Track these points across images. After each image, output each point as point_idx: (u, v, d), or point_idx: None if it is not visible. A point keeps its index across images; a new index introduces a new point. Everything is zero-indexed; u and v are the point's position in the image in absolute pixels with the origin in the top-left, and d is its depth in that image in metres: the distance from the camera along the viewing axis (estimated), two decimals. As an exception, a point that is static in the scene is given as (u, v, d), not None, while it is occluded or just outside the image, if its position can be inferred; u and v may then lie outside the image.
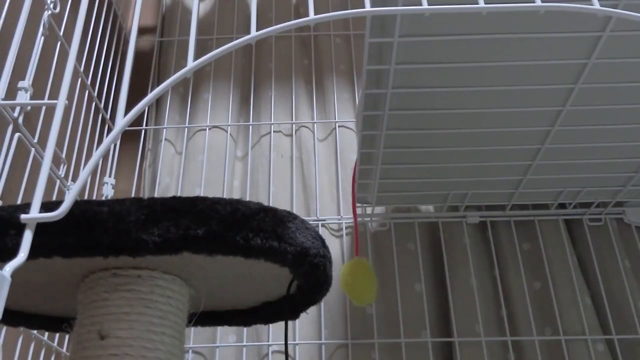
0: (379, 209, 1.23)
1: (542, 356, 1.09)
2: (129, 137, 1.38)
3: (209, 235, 0.57)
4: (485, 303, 1.16)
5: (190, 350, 1.12)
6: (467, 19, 0.75)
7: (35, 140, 0.95)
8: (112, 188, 1.31)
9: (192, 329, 1.13)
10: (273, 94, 1.40)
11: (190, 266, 0.64)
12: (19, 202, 0.91)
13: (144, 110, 1.32)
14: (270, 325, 1.13)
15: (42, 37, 0.97)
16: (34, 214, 0.52)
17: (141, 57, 1.50)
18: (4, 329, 0.88)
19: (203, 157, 1.31)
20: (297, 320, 1.12)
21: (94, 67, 1.26)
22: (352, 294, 1.04)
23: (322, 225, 1.23)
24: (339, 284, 1.05)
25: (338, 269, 1.08)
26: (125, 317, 0.61)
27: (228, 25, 1.51)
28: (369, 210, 1.21)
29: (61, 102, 0.57)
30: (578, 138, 0.96)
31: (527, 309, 1.14)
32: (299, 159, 1.32)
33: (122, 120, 0.54)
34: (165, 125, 1.37)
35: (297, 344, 1.11)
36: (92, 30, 1.26)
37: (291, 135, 1.36)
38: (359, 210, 1.19)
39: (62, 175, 1.08)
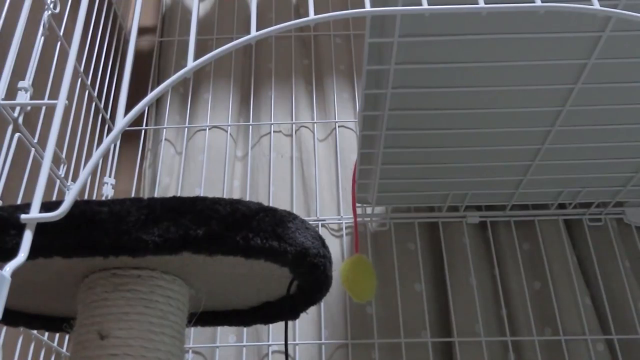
0: (379, 209, 1.23)
1: (542, 356, 1.09)
2: (129, 137, 1.38)
3: (209, 235, 0.57)
4: (485, 303, 1.16)
5: (190, 350, 1.12)
6: (467, 19, 0.75)
7: (35, 140, 0.95)
8: (112, 188, 1.31)
9: (192, 329, 1.13)
10: (273, 94, 1.40)
11: (190, 266, 0.64)
12: (19, 202, 0.91)
13: (144, 110, 1.32)
14: (270, 325, 1.13)
15: (42, 37, 0.97)
16: (34, 214, 0.52)
17: (141, 57, 1.50)
18: (4, 329, 0.88)
19: (203, 157, 1.31)
20: (297, 320, 1.12)
21: (94, 67, 1.26)
22: (352, 290, 1.04)
23: (322, 225, 1.23)
24: (339, 281, 1.05)
25: (338, 268, 1.08)
26: (125, 317, 0.61)
27: (228, 25, 1.51)
28: (369, 210, 1.21)
29: (61, 102, 0.57)
30: (578, 138, 0.96)
31: (527, 309, 1.14)
32: (299, 159, 1.32)
33: (122, 120, 0.54)
34: (165, 125, 1.37)
35: (297, 344, 1.11)
36: (92, 30, 1.26)
37: (291, 135, 1.36)
38: (359, 210, 1.19)
39: (62, 175, 1.08)
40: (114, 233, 0.56)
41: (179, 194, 1.26)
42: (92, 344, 0.60)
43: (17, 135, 0.88)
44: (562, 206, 1.22)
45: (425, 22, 0.75)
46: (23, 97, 0.89)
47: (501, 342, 1.13)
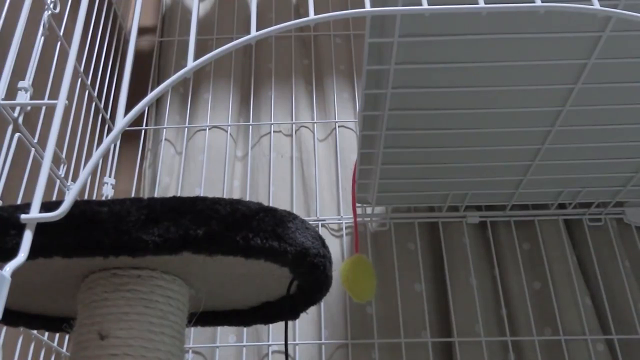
0: (379, 209, 1.23)
1: (542, 356, 1.09)
2: (129, 137, 1.38)
3: (209, 235, 0.57)
4: (485, 303, 1.16)
5: (190, 350, 1.12)
6: (467, 19, 0.75)
7: (35, 140, 0.95)
8: (112, 188, 1.31)
9: (192, 329, 1.13)
10: (273, 94, 1.40)
11: (190, 266, 0.64)
12: (19, 202, 0.91)
13: (144, 110, 1.32)
14: (270, 325, 1.13)
15: (42, 37, 0.97)
16: (34, 214, 0.52)
17: (141, 57, 1.50)
18: (4, 329, 0.88)
19: (203, 157, 1.31)
20: (297, 320, 1.12)
21: (94, 67, 1.26)
22: (352, 290, 1.04)
23: (322, 225, 1.23)
24: (339, 281, 1.05)
25: (338, 268, 1.08)
26: (125, 317, 0.61)
27: (228, 25, 1.51)
28: (369, 210, 1.21)
29: (61, 102, 0.57)
30: (578, 138, 0.96)
31: (527, 309, 1.14)
32: (299, 159, 1.32)
33: (122, 120, 0.54)
34: (165, 125, 1.37)
35: (297, 344, 1.11)
36: (92, 30, 1.26)
37: (291, 135, 1.36)
38: (359, 210, 1.19)
39: (62, 175, 1.08)
40: (114, 233, 0.56)
41: (179, 194, 1.26)
42: (92, 344, 0.60)
43: (17, 135, 0.88)
44: (562, 206, 1.22)
45: (425, 22, 0.75)
46: (23, 97, 0.89)
47: (501, 342, 1.13)
